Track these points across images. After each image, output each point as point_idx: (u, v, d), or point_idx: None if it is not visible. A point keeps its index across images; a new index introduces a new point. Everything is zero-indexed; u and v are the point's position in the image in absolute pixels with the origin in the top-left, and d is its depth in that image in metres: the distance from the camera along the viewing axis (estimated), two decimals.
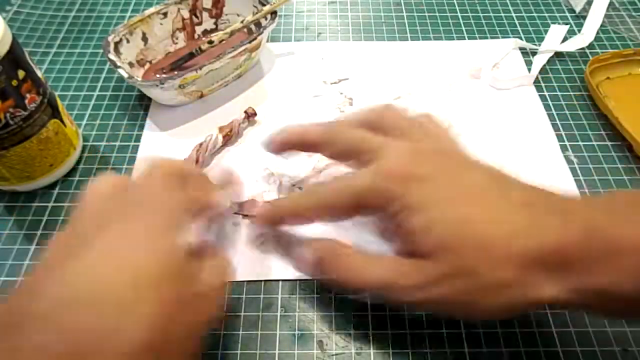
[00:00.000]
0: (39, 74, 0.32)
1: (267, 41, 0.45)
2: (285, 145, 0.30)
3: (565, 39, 0.47)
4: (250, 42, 0.38)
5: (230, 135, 0.37)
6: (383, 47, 0.46)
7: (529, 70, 0.43)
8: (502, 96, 0.41)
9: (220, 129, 0.37)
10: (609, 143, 0.39)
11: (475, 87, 0.42)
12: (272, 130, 0.38)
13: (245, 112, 0.38)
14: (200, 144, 0.36)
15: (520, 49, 0.46)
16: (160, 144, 0.38)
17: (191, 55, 0.41)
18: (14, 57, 0.29)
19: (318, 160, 0.36)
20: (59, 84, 0.43)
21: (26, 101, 0.30)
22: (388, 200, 0.24)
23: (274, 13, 0.41)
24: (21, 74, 0.30)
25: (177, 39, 0.44)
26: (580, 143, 0.39)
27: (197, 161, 0.35)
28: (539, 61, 0.44)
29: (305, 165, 0.36)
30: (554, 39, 0.46)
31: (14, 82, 0.29)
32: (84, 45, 0.46)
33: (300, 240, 0.31)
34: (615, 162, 0.37)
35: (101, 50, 0.46)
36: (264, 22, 0.41)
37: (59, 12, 0.50)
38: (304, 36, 0.47)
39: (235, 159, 0.37)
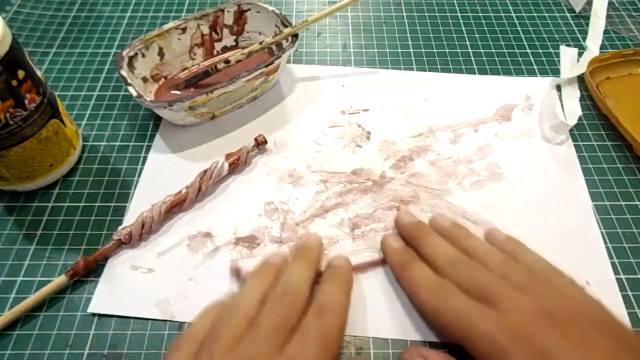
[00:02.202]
0: (39, 74, 0.32)
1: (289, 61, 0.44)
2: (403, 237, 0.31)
3: (566, 39, 0.47)
4: (266, 66, 0.37)
5: (237, 164, 0.36)
6: (408, 77, 0.44)
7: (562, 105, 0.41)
8: (534, 141, 0.39)
9: (227, 155, 0.36)
10: (609, 143, 0.39)
11: (505, 130, 0.39)
12: (281, 160, 0.37)
13: (255, 139, 0.37)
14: (205, 172, 0.35)
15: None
16: (167, 166, 0.37)
17: (206, 74, 0.40)
18: (14, 57, 0.29)
19: (326, 198, 0.35)
20: (59, 84, 0.43)
21: (26, 101, 0.30)
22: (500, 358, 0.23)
23: (294, 36, 0.39)
24: (21, 74, 0.30)
25: (195, 54, 0.43)
26: (580, 143, 0.39)
27: (199, 189, 0.34)
28: (571, 106, 0.40)
29: (313, 203, 0.35)
30: (568, 62, 0.44)
31: (14, 82, 0.29)
32: (84, 45, 0.46)
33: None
34: (615, 162, 0.37)
35: (101, 50, 0.46)
36: (284, 44, 0.40)
37: (59, 12, 0.50)
38: (304, 36, 0.47)
39: (240, 189, 0.36)
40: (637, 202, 0.35)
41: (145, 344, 0.28)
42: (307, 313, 0.25)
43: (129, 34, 0.48)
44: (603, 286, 0.31)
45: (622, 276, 0.31)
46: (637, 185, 0.36)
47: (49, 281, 0.30)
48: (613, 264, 0.32)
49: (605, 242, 0.33)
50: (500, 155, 0.37)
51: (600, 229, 0.33)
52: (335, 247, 0.32)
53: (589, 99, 0.42)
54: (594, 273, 0.31)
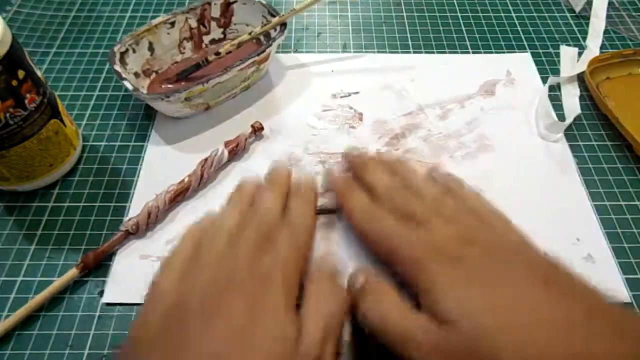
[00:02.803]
0: (39, 74, 0.32)
1: (278, 51, 0.44)
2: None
3: (565, 39, 0.47)
4: (258, 54, 0.38)
5: (236, 150, 0.37)
6: (394, 59, 0.45)
7: (543, 83, 0.42)
8: (517, 113, 0.40)
9: (226, 143, 0.36)
10: (609, 143, 0.39)
11: (490, 104, 0.41)
12: (278, 145, 0.38)
13: (252, 126, 0.38)
14: (205, 160, 0.35)
15: (538, 66, 0.45)
16: (165, 158, 0.37)
17: (197, 67, 0.41)
18: (14, 57, 0.29)
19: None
20: (59, 84, 0.43)
21: (26, 101, 0.30)
22: (420, 273, 0.24)
23: (283, 25, 0.40)
24: (21, 74, 0.30)
25: (184, 48, 0.43)
26: (580, 143, 0.39)
27: (201, 177, 0.34)
28: (571, 104, 0.41)
29: None
30: (568, 62, 0.44)
31: (14, 82, 0.29)
32: (84, 45, 0.46)
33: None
34: (615, 162, 0.37)
35: (101, 50, 0.46)
36: (273, 34, 0.40)
37: (59, 12, 0.50)
38: (304, 36, 0.47)
39: (241, 174, 0.36)
40: (637, 202, 0.35)
41: None
42: (278, 228, 0.27)
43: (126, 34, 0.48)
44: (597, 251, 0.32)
45: (622, 276, 0.31)
46: (637, 185, 0.36)
47: (50, 281, 0.30)
48: None
49: (605, 242, 0.33)
50: (487, 128, 0.39)
51: (600, 229, 0.33)
52: (338, 224, 0.33)
53: (589, 99, 0.42)
54: (584, 232, 0.33)
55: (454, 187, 0.29)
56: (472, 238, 0.25)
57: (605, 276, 0.31)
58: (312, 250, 0.27)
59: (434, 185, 0.30)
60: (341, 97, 0.42)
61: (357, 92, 0.42)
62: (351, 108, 0.41)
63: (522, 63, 0.44)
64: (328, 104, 0.41)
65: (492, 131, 0.39)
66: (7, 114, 0.29)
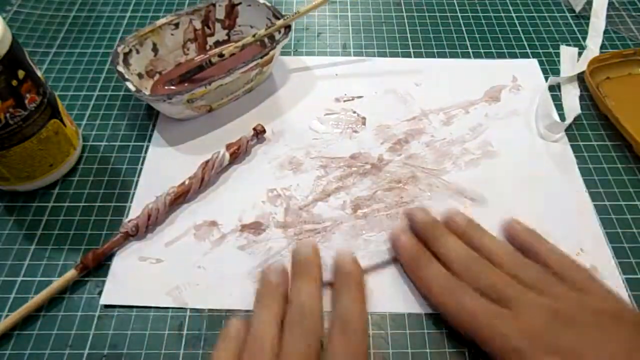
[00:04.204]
0: (39, 74, 0.32)
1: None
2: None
3: (566, 41, 0.47)
4: (262, 57, 0.37)
5: (237, 153, 0.36)
6: (398, 64, 0.45)
7: (546, 80, 0.42)
8: (522, 119, 0.40)
9: (228, 146, 0.36)
10: (609, 143, 0.39)
11: (495, 110, 0.41)
12: (280, 148, 0.38)
13: (254, 129, 0.38)
14: (207, 162, 0.35)
15: (541, 66, 0.45)
16: (167, 159, 0.37)
17: (201, 68, 0.41)
18: (14, 57, 0.29)
19: (327, 182, 0.36)
20: (59, 84, 0.43)
21: (26, 101, 0.30)
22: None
23: (287, 27, 0.39)
24: (21, 74, 0.30)
25: (188, 49, 0.43)
26: (581, 143, 0.39)
27: (202, 180, 0.34)
28: (571, 104, 0.41)
29: (315, 188, 0.35)
30: (569, 61, 0.44)
31: (14, 82, 0.29)
32: (84, 45, 0.46)
33: None
34: (615, 162, 0.37)
35: (101, 50, 0.46)
36: (277, 36, 0.40)
37: (59, 12, 0.50)
38: (304, 36, 0.47)
39: (242, 178, 0.36)
40: (637, 202, 0.35)
41: (145, 343, 0.28)
42: (331, 331, 0.24)
43: (129, 34, 0.47)
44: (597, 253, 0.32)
45: (622, 276, 0.31)
46: (637, 185, 0.36)
47: (49, 281, 0.30)
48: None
49: (606, 242, 0.33)
50: (492, 134, 0.39)
51: (600, 229, 0.33)
52: (339, 228, 0.33)
53: (589, 99, 0.42)
54: (584, 232, 0.33)
55: (533, 247, 0.29)
56: (565, 313, 0.24)
57: (605, 276, 0.31)
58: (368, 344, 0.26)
59: (510, 249, 0.29)
60: (344, 101, 0.41)
61: (360, 97, 0.42)
62: (354, 112, 0.40)
63: (528, 69, 0.44)
64: (331, 108, 0.41)
65: (497, 138, 0.38)
66: (7, 114, 0.29)
